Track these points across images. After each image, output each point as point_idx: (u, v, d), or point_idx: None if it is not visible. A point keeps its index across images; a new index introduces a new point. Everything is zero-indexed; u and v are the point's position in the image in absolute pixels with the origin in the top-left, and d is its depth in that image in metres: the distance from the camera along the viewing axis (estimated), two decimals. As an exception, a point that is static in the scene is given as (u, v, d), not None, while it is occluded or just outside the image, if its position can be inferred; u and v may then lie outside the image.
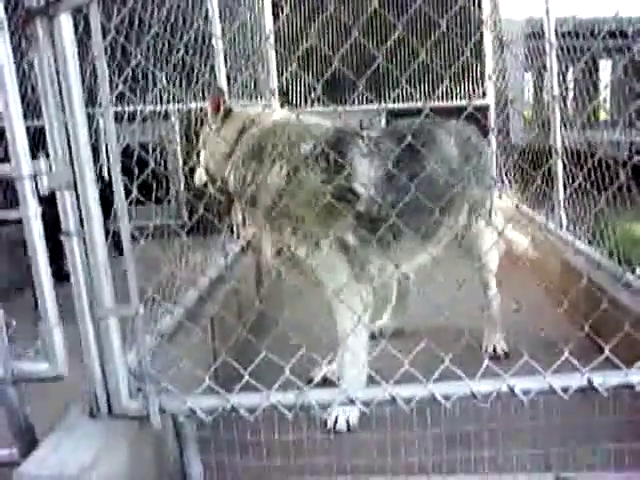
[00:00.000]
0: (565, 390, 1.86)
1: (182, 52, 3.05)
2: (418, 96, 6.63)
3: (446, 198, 2.53)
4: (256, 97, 4.79)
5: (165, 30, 2.90)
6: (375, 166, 2.52)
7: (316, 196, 2.40)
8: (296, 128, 2.53)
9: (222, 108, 2.62)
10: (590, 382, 1.85)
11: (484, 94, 6.95)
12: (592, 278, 2.98)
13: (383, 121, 6.73)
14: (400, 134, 2.69)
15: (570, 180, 3.84)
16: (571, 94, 4.14)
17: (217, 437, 2.11)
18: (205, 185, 2.79)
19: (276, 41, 6.53)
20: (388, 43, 2.09)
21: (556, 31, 4.06)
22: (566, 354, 1.92)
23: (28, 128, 1.78)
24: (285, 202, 2.43)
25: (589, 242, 3.48)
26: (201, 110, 2.72)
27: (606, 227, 3.23)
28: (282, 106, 5.91)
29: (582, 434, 2.12)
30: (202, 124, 2.81)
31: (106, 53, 1.79)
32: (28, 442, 1.90)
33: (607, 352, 1.93)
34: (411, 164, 2.48)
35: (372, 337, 3.13)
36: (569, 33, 3.85)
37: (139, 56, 2.26)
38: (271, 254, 2.60)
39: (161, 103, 3.07)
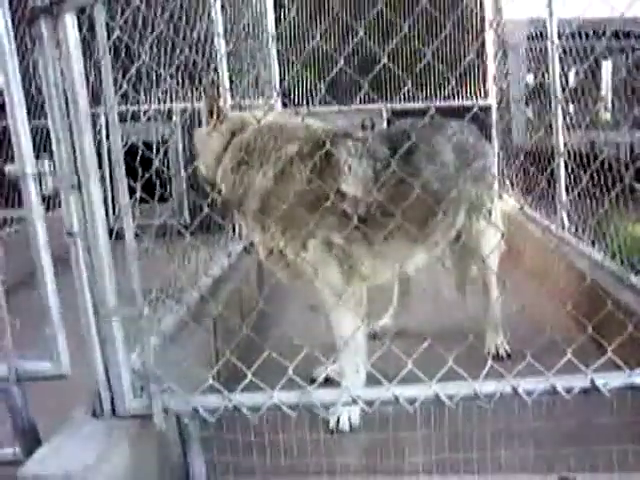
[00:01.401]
0: (568, 391, 1.86)
1: (186, 51, 3.05)
2: (420, 96, 6.64)
3: (439, 199, 2.53)
4: (258, 96, 4.79)
5: (168, 29, 2.90)
6: (364, 167, 2.53)
7: (303, 197, 2.41)
8: (283, 130, 2.55)
9: (217, 112, 2.63)
10: (593, 383, 1.85)
11: (486, 94, 6.95)
12: (595, 279, 2.99)
13: (385, 121, 6.76)
14: (392, 135, 2.70)
15: (572, 181, 3.83)
16: (573, 94, 4.14)
17: (220, 437, 2.11)
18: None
19: (278, 40, 6.53)
20: (392, 44, 2.09)
21: (559, 32, 4.05)
22: (569, 355, 1.92)
23: (32, 128, 1.79)
24: (272, 204, 2.44)
25: (592, 243, 3.48)
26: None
27: (609, 228, 3.22)
28: (285, 106, 5.92)
29: (585, 435, 2.12)
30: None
31: (110, 52, 1.79)
32: (31, 441, 1.90)
33: (610, 353, 1.93)
34: (402, 165, 2.47)
35: (374, 337, 3.15)
36: (572, 34, 3.85)
37: (143, 56, 2.26)
38: (263, 255, 2.62)
39: (164, 102, 3.07)
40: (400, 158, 2.32)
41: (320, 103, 5.51)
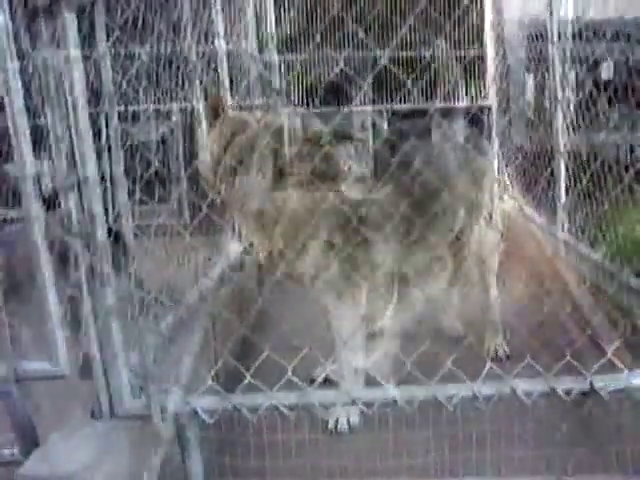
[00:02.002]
0: (567, 393, 1.86)
1: (185, 51, 3.05)
2: (421, 97, 6.63)
3: (439, 200, 2.53)
4: (259, 97, 4.78)
5: (168, 29, 2.90)
6: (363, 168, 2.54)
7: (302, 198, 2.41)
8: (283, 131, 2.55)
9: (220, 112, 2.62)
10: (592, 385, 1.85)
11: (486, 95, 6.94)
12: (594, 280, 2.98)
13: (386, 122, 6.74)
14: (392, 136, 2.71)
15: (572, 182, 3.82)
16: (572, 96, 4.13)
17: (219, 437, 2.11)
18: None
19: (278, 40, 6.52)
20: (392, 43, 2.10)
21: (559, 32, 4.04)
22: (568, 357, 1.92)
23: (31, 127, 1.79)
24: (272, 205, 2.44)
25: (591, 244, 3.47)
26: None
27: (608, 229, 3.22)
28: (285, 106, 5.91)
29: (584, 437, 2.12)
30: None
31: (110, 52, 1.79)
32: (30, 442, 1.90)
33: (609, 355, 1.93)
34: (402, 166, 2.48)
35: (373, 338, 3.14)
36: (572, 34, 3.84)
37: (142, 56, 2.26)
38: (263, 256, 2.63)
39: (164, 102, 3.07)
40: (400, 159, 2.32)
41: (320, 103, 5.50)
